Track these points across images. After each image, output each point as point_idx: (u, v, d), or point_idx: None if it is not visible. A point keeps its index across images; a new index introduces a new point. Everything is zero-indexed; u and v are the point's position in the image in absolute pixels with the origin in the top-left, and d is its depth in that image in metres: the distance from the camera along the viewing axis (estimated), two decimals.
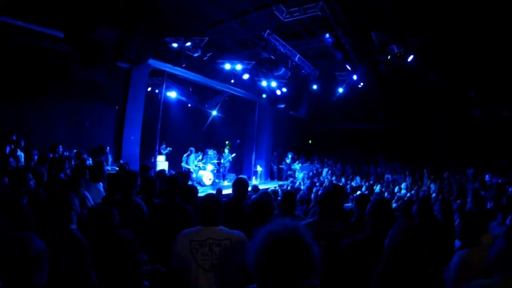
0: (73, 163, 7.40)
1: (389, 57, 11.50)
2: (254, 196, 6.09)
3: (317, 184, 13.22)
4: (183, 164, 14.67)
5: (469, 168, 11.66)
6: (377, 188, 13.76)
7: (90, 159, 8.92)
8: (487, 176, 10.13)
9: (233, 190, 4.76)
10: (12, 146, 7.59)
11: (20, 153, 7.52)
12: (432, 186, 12.50)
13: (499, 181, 9.12)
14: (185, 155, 14.92)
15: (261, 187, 9.76)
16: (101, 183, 5.53)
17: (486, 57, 10.92)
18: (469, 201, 6.81)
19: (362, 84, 14.92)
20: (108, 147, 11.03)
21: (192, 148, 15.09)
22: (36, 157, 7.06)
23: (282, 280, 1.51)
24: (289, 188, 12.13)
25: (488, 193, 8.42)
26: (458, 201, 8.41)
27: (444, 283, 3.06)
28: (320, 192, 4.00)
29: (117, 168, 8.40)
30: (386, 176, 15.41)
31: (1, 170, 5.34)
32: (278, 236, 1.55)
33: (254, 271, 1.57)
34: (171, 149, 15.70)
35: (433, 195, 11.18)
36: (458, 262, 2.94)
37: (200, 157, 15.61)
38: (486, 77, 12.14)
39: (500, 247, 2.13)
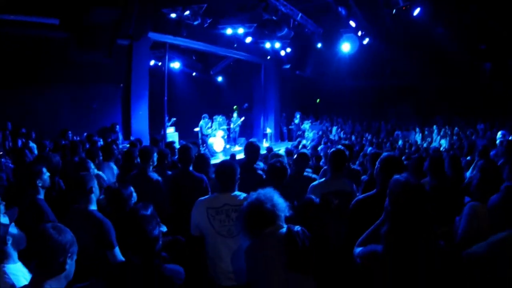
0: (87, 146, 7.61)
1: (394, 11, 11.04)
2: (269, 156, 6.14)
3: (327, 143, 13.33)
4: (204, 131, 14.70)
5: (480, 124, 11.47)
6: (387, 145, 13.76)
7: (101, 140, 9.09)
8: (500, 132, 9.92)
9: (245, 154, 4.82)
10: (24, 140, 7.78)
11: (32, 145, 7.70)
12: (443, 142, 12.43)
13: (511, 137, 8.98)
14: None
15: (274, 149, 9.81)
16: (113, 162, 5.71)
17: (495, 8, 10.40)
18: (476, 158, 6.79)
19: (368, 39, 14.49)
20: (117, 125, 11.17)
21: (205, 114, 15.04)
22: (47, 149, 7.24)
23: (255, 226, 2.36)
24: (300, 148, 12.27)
25: (499, 149, 8.31)
26: (468, 158, 8.41)
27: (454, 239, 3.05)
28: (330, 150, 4.02)
29: (128, 145, 8.55)
30: (396, 132, 15.37)
31: (19, 162, 5.52)
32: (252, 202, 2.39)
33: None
34: (175, 119, 15.71)
35: (444, 153, 11.12)
36: (469, 213, 2.94)
37: (210, 124, 15.66)
38: (497, 29, 11.60)
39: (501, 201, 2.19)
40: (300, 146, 12.86)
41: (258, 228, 2.35)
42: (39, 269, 1.79)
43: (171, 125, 15.14)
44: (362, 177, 5.05)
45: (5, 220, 2.19)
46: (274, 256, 2.24)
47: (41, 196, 3.62)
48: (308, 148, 11.19)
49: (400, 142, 13.78)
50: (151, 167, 4.60)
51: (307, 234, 2.28)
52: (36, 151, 7.39)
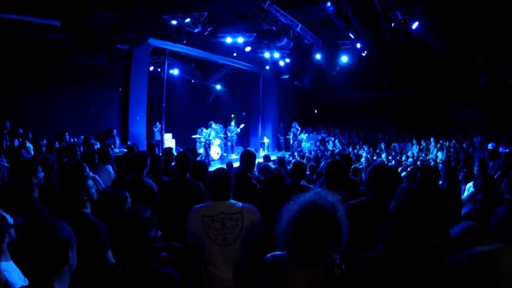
0: (82, 149, 7.54)
1: (393, 24, 11.17)
2: (260, 165, 6.08)
3: (326, 153, 13.33)
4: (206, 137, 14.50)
5: (476, 137, 11.54)
6: (383, 156, 13.79)
7: (98, 143, 9.05)
8: (490, 145, 9.99)
9: (240, 162, 4.78)
10: (20, 140, 7.73)
11: (29, 145, 7.66)
12: (439, 154, 12.47)
13: (507, 150, 9.01)
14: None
15: (273, 158, 9.78)
16: (110, 166, 5.66)
17: (492, 22, 10.56)
18: (476, 170, 6.78)
19: (366, 52, 14.63)
20: (114, 130, 11.14)
21: (211, 122, 14.89)
22: (44, 148, 7.19)
23: (314, 250, 1.83)
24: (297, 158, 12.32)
25: (496, 162, 8.31)
26: (465, 170, 8.40)
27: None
28: (327, 161, 4.03)
29: (125, 150, 8.51)
30: (393, 144, 15.41)
31: (15, 162, 5.45)
32: (319, 209, 1.85)
33: (287, 239, 1.89)
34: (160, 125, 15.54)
35: (440, 165, 11.15)
36: (462, 233, 2.92)
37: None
38: (493, 43, 11.77)
39: (502, 216, 2.12)
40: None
41: (307, 256, 1.89)
42: (44, 264, 1.75)
43: (158, 130, 14.99)
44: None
45: (10, 220, 2.21)
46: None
47: (36, 194, 3.57)
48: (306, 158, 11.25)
49: (397, 154, 13.81)
50: (145, 173, 4.54)
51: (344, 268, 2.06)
52: (32, 152, 7.34)
